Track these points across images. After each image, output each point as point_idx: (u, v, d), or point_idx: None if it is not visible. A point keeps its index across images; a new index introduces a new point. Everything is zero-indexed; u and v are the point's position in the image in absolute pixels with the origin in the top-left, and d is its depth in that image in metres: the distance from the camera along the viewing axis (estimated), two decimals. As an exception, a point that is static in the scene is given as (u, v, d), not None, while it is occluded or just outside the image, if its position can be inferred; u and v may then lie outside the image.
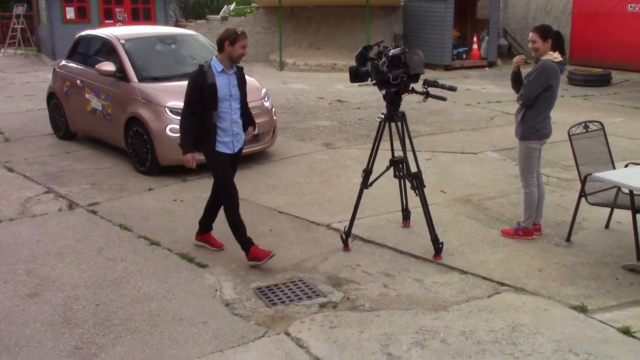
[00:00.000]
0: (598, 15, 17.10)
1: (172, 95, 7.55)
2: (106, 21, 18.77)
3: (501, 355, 3.82)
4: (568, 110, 10.84)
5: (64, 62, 9.63)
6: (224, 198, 5.28)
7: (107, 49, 8.66)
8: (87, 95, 8.69)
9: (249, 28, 19.40)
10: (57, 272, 4.99)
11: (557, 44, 5.26)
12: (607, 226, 5.84)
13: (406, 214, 5.90)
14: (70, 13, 18.49)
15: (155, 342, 3.98)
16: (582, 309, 4.37)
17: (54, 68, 10.06)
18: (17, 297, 4.56)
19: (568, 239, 5.53)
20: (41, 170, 7.83)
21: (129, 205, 6.59)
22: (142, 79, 8.00)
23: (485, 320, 4.24)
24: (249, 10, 20.25)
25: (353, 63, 5.39)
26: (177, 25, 20.41)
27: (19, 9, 21.13)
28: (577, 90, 13.94)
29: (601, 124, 5.83)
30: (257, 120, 6.39)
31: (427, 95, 5.26)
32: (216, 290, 4.72)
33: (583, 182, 5.35)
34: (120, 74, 8.04)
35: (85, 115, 8.84)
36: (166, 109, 7.57)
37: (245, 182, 7.27)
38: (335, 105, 12.13)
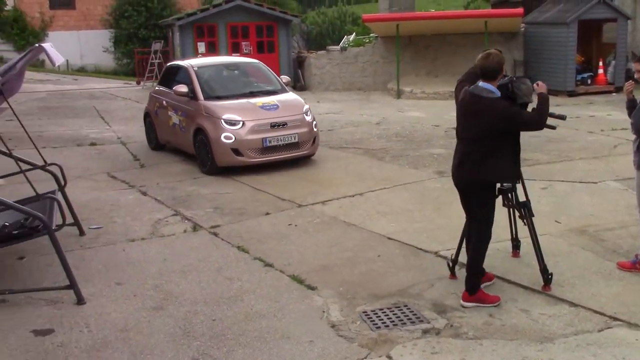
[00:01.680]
0: None
1: (228, 110, 9.52)
2: (233, 54, 19.92)
3: (607, 390, 3.73)
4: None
5: (156, 87, 11.70)
6: (487, 235, 5.01)
7: (183, 74, 10.53)
8: (169, 113, 10.67)
9: (367, 57, 19.86)
10: (180, 288, 5.42)
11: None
12: None
13: (516, 243, 5.84)
14: (201, 48, 19.82)
15: (264, 358, 4.24)
16: (701, 349, 4.15)
17: (150, 93, 11.98)
18: (144, 309, 5.02)
19: (691, 275, 5.25)
20: (170, 194, 8.48)
21: (247, 228, 6.99)
22: (207, 98, 9.86)
23: (594, 354, 4.14)
24: (367, 41, 20.68)
25: None
26: (299, 55, 21.29)
27: (157, 45, 22.86)
28: None
29: None
30: (298, 131, 9.60)
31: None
32: (323, 311, 4.93)
33: None
34: (192, 94, 9.92)
35: (168, 129, 10.81)
36: (222, 120, 9.37)
37: (356, 210, 7.50)
38: (450, 133, 12.09)
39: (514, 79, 5.19)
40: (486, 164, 4.84)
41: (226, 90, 10.20)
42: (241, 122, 9.37)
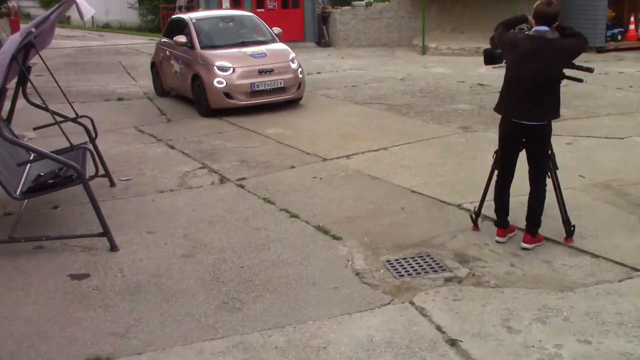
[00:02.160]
0: None
1: (220, 58, 10.61)
2: (258, 10, 19.82)
3: (625, 336, 3.81)
4: None
5: (162, 39, 12.51)
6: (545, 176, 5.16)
7: (183, 26, 11.54)
8: (172, 62, 11.72)
9: (392, 13, 19.64)
10: (208, 237, 5.58)
11: None
12: None
13: (539, 196, 5.87)
14: (226, 3, 19.73)
15: (290, 302, 4.39)
16: None
17: (156, 44, 12.96)
18: (175, 256, 5.19)
19: None
20: (197, 148, 8.61)
21: (273, 181, 7.12)
22: (203, 47, 10.95)
23: (613, 303, 4.22)
24: (393, -5, 20.38)
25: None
26: (323, 11, 21.08)
27: (182, 1, 22.80)
28: None
29: None
30: (284, 77, 10.67)
31: (562, 75, 5.22)
32: (348, 260, 5.06)
33: None
34: (190, 44, 11.02)
35: (171, 77, 11.90)
36: (215, 67, 10.45)
37: (380, 164, 7.57)
38: (475, 89, 12.04)
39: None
40: (555, 105, 5.05)
41: (220, 40, 11.34)
42: (232, 69, 10.46)
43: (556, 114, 5.07)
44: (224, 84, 10.34)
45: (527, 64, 4.93)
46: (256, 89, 10.51)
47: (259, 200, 6.51)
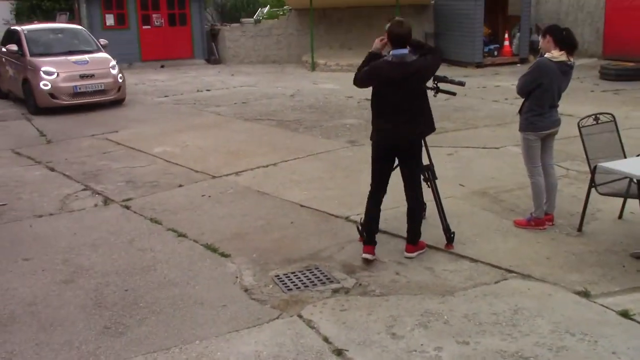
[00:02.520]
0: (632, 9, 16.91)
1: (46, 64, 12.28)
2: (144, 27, 19.41)
3: (500, 335, 4.01)
4: (597, 104, 10.86)
5: (0, 48, 13.82)
6: (420, 187, 5.35)
7: (17, 37, 13.16)
8: (7, 67, 13.51)
9: (281, 30, 19.84)
10: (90, 261, 5.36)
11: (562, 41, 5.40)
12: (620, 217, 5.95)
13: (423, 205, 6.09)
14: (110, 20, 19.20)
15: (177, 323, 4.29)
16: (585, 294, 4.52)
17: None
18: (53, 283, 4.94)
19: (579, 229, 5.67)
20: (80, 169, 8.28)
21: (160, 200, 6.95)
22: (32, 55, 12.59)
23: (489, 304, 4.44)
24: (281, 13, 20.63)
25: None
26: (212, 28, 20.97)
27: (62, 18, 21.87)
28: (609, 85, 13.89)
29: (612, 115, 5.94)
30: (104, 81, 12.54)
31: (437, 90, 5.49)
32: (236, 277, 5.01)
33: (592, 172, 5.48)
34: (21, 52, 12.69)
35: (7, 80, 13.71)
36: (41, 71, 12.08)
37: (270, 180, 7.59)
38: (363, 104, 12.35)
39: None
40: (425, 122, 5.24)
41: (48, 49, 12.96)
42: (56, 73, 12.16)
43: (426, 131, 5.29)
44: (49, 86, 12.05)
45: (391, 89, 5.05)
46: (78, 90, 12.27)
47: (145, 220, 6.34)
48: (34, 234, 6.01)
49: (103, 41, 13.64)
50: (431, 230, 5.73)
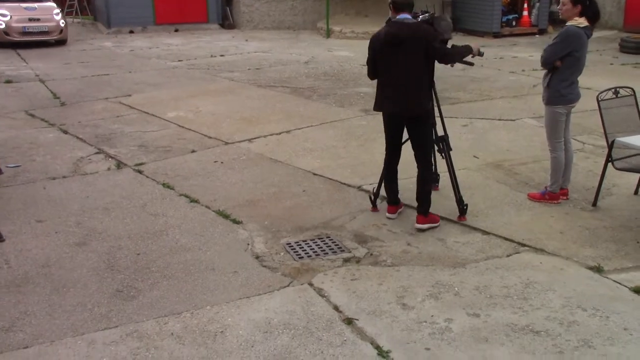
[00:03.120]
0: (656, -20, 16.53)
1: (3, 8, 15.60)
2: (158, -11, 19.23)
3: (510, 308, 4.00)
4: (616, 77, 10.68)
5: None
6: (430, 159, 5.35)
7: None
8: None
9: (297, -5, 19.57)
10: (103, 224, 5.38)
11: (588, 10, 5.27)
12: (636, 192, 5.89)
13: (435, 177, 6.05)
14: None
15: (188, 288, 4.32)
16: (597, 269, 4.49)
17: None
18: (67, 245, 4.98)
19: (594, 204, 5.61)
20: (93, 132, 8.28)
21: (173, 166, 6.95)
22: None
23: (501, 277, 4.42)
24: (297, -22, 20.30)
25: None
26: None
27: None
28: (629, 58, 13.66)
29: (632, 89, 5.83)
30: (48, 24, 15.95)
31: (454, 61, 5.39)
32: (248, 244, 5.02)
33: (610, 147, 5.41)
34: None
35: None
36: None
37: (283, 147, 7.56)
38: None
39: (435, 15, 5.34)
40: (429, 94, 5.17)
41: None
42: (9, 16, 15.48)
43: (426, 105, 5.19)
44: (3, 26, 15.41)
45: (390, 50, 5.05)
46: (27, 30, 15.61)
47: (157, 185, 6.35)
48: (48, 196, 6.03)
49: None
50: (444, 202, 5.70)
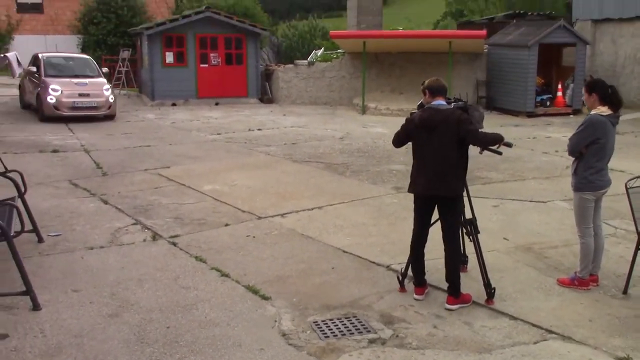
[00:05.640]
0: (691, 64, 16.61)
1: (54, 83, 15.90)
2: (201, 65, 20.05)
3: (536, 398, 3.97)
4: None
5: (26, 68, 17.03)
6: (458, 240, 5.48)
7: (38, 60, 17.05)
8: (28, 84, 17.34)
9: (334, 73, 20.17)
10: (136, 296, 5.53)
11: (608, 98, 5.40)
12: (668, 280, 5.82)
13: (464, 259, 6.09)
14: (169, 58, 19.88)
15: (215, 364, 4.39)
16: (627, 361, 4.43)
17: (22, 70, 15.61)
18: (100, 316, 5.12)
19: (625, 292, 5.56)
20: (132, 203, 8.56)
21: (206, 238, 7.13)
22: (46, 75, 16.29)
23: (527, 365, 4.39)
24: (335, 56, 20.99)
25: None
26: (267, 68, 21.48)
27: (125, 53, 22.84)
28: (665, 140, 13.61)
29: (663, 177, 5.85)
30: (97, 99, 16.19)
31: (483, 148, 5.54)
32: (275, 321, 5.09)
33: (639, 234, 5.40)
34: (38, 73, 16.45)
35: (27, 94, 17.49)
36: (49, 88, 15.71)
37: (314, 223, 7.70)
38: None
39: (469, 105, 5.56)
40: (459, 178, 5.34)
41: (59, 72, 16.73)
42: (60, 90, 15.78)
43: (459, 188, 5.35)
44: (54, 100, 15.64)
45: (423, 135, 5.30)
46: (76, 105, 15.87)
47: (190, 258, 6.51)
48: (85, 266, 6.23)
49: (105, 69, 17.64)
50: (472, 284, 5.71)
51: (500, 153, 5.57)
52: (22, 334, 4.76)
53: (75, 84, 16.14)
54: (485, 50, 19.32)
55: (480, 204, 8.43)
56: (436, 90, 5.33)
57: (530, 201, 8.65)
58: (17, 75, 5.55)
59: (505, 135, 5.55)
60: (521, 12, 22.78)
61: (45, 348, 4.56)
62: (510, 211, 8.17)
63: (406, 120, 5.53)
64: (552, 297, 5.54)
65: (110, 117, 16.35)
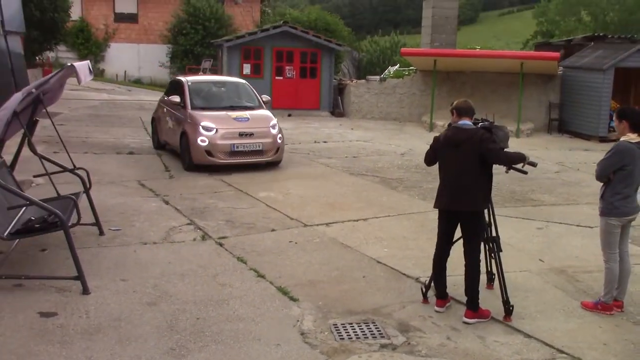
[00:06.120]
0: None
1: (206, 118, 11.51)
2: (276, 77, 20.76)
3: (526, 410, 4.11)
4: None
5: (163, 97, 13.66)
6: (478, 256, 5.66)
7: (180, 87, 12.55)
8: (167, 118, 12.80)
9: (405, 89, 20.39)
10: (176, 288, 6.01)
11: (637, 125, 5.44)
12: (698, 312, 5.75)
13: (491, 276, 6.23)
14: (246, 69, 20.70)
15: (232, 354, 4.77)
16: (631, 385, 4.49)
17: (158, 101, 14.06)
18: (139, 304, 5.62)
19: (649, 319, 5.55)
20: (190, 205, 9.13)
21: (251, 241, 7.56)
22: (193, 108, 11.93)
23: (529, 380, 4.52)
24: (407, 73, 21.19)
25: None
26: (340, 82, 21.97)
27: (206, 63, 23.93)
28: None
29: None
30: (263, 141, 11.56)
31: (509, 167, 5.71)
32: (298, 320, 5.43)
33: (664, 263, 5.40)
34: (182, 104, 12.02)
35: (166, 132, 12.93)
36: (200, 126, 11.36)
37: (356, 233, 7.99)
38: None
39: (494, 125, 5.74)
40: (483, 196, 5.58)
41: (210, 103, 12.36)
42: (215, 129, 11.36)
43: (482, 206, 5.58)
44: (207, 142, 11.25)
45: (447, 152, 5.58)
46: (236, 149, 11.45)
47: (232, 258, 6.95)
48: (136, 259, 6.79)
49: (265, 97, 12.90)
50: (494, 301, 5.85)
51: (525, 172, 5.70)
52: (69, 314, 5.32)
53: (234, 119, 11.74)
54: (560, 72, 19.01)
55: (525, 225, 8.51)
56: (463, 111, 5.57)
57: (578, 225, 8.61)
58: (83, 83, 6.14)
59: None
60: (601, 34, 22.23)
61: (86, 327, 5.09)
62: (553, 234, 8.18)
63: (434, 138, 5.78)
64: (572, 319, 5.61)
65: (274, 164, 12.01)
